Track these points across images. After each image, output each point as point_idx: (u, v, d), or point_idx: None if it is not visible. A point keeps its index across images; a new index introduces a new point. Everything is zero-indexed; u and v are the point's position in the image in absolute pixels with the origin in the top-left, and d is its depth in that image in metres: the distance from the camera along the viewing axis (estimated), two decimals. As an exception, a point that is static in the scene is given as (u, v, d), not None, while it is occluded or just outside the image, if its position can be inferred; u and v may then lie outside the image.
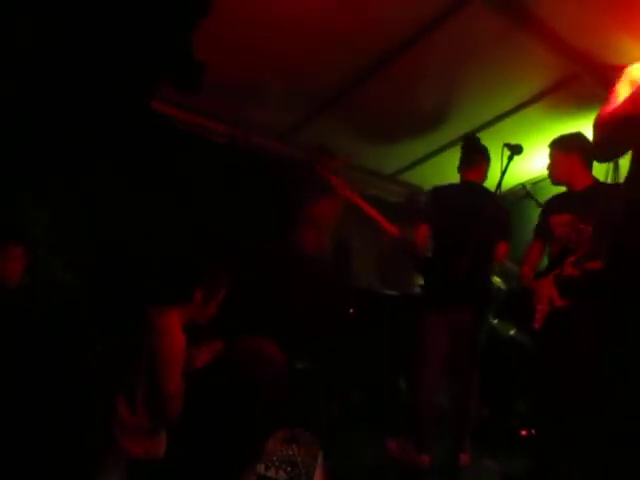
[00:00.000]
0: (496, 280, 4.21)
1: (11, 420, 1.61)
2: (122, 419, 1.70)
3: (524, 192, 3.21)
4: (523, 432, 3.41)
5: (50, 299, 2.27)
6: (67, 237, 2.53)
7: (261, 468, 1.57)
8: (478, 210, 2.97)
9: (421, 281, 3.41)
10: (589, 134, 2.09)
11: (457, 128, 4.00)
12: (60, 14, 2.51)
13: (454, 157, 4.30)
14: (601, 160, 2.24)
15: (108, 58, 2.85)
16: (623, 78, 1.77)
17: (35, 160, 2.72)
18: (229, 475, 1.70)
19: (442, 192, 3.30)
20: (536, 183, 4.47)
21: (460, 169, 3.36)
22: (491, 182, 3.21)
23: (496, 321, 3.96)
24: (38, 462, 1.53)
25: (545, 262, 2.95)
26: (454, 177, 4.00)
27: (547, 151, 2.95)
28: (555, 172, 2.88)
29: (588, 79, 3.17)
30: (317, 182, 3.66)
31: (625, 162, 1.77)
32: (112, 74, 2.93)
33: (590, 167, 2.81)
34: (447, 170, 4.54)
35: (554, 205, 2.92)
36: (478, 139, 3.36)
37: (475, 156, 3.29)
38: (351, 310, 4.10)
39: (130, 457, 1.66)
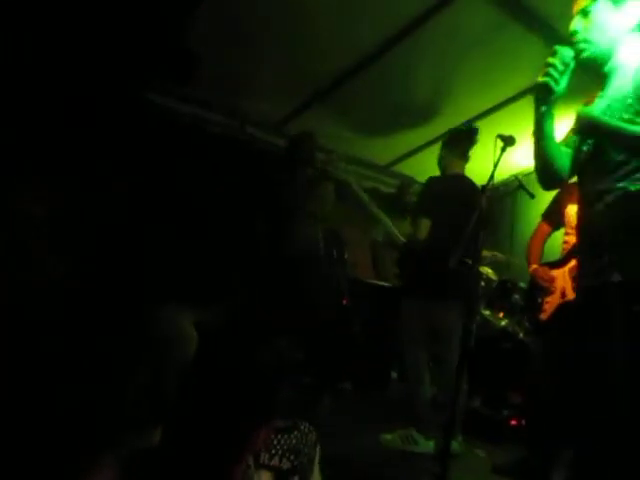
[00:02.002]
0: (487, 271, 4.23)
1: (7, 416, 1.61)
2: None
3: (517, 184, 3.21)
4: (513, 422, 3.44)
5: (45, 294, 2.25)
6: (65, 232, 2.51)
7: (265, 457, 1.55)
8: (472, 204, 3.03)
9: (406, 270, 3.41)
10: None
11: (451, 119, 3.99)
12: (52, 10, 2.50)
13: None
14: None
15: (101, 51, 2.83)
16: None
17: (31, 155, 2.71)
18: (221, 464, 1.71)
19: (439, 185, 3.25)
20: (529, 174, 4.48)
21: (451, 159, 3.24)
22: (483, 173, 3.21)
23: (488, 312, 3.98)
24: (34, 458, 1.53)
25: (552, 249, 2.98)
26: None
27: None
28: None
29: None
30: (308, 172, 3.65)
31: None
32: (106, 67, 2.92)
33: None
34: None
35: (574, 193, 2.81)
36: (477, 132, 3.25)
37: (469, 150, 3.25)
38: (344, 301, 4.11)
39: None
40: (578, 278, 1.80)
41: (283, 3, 2.92)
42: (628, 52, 1.64)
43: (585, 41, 1.64)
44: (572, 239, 2.78)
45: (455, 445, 2.84)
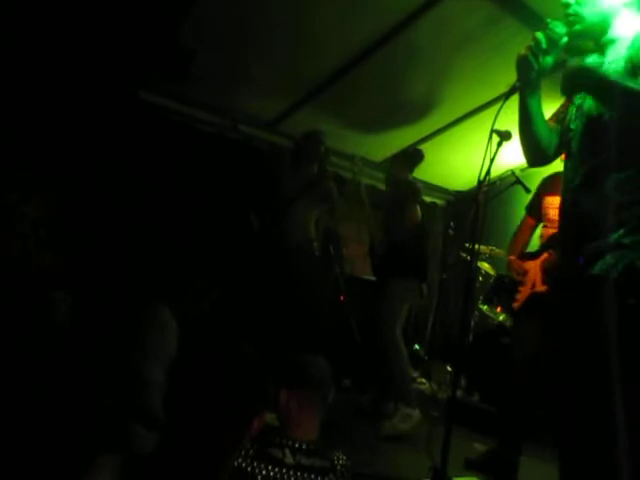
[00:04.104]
0: (484, 265, 4.25)
1: (5, 418, 1.60)
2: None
3: (513, 178, 3.21)
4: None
5: (41, 290, 2.24)
6: (57, 230, 2.50)
7: None
8: None
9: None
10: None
11: (445, 115, 4.01)
12: (48, 9, 2.49)
13: (443, 144, 4.33)
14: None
15: (97, 48, 2.82)
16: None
17: (25, 155, 2.69)
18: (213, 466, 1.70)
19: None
20: (525, 169, 4.48)
21: (405, 174, 3.59)
22: (480, 169, 3.22)
23: (485, 307, 4.00)
24: (32, 460, 1.52)
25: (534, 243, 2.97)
26: (443, 165, 4.03)
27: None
28: None
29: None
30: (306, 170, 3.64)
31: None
32: (102, 64, 2.91)
33: None
34: (436, 157, 4.56)
35: (550, 184, 2.82)
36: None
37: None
38: (341, 297, 4.11)
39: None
40: (558, 268, 1.73)
41: (276, 1, 2.91)
42: (624, 27, 1.59)
43: (576, 15, 1.58)
44: (548, 232, 2.79)
45: None
